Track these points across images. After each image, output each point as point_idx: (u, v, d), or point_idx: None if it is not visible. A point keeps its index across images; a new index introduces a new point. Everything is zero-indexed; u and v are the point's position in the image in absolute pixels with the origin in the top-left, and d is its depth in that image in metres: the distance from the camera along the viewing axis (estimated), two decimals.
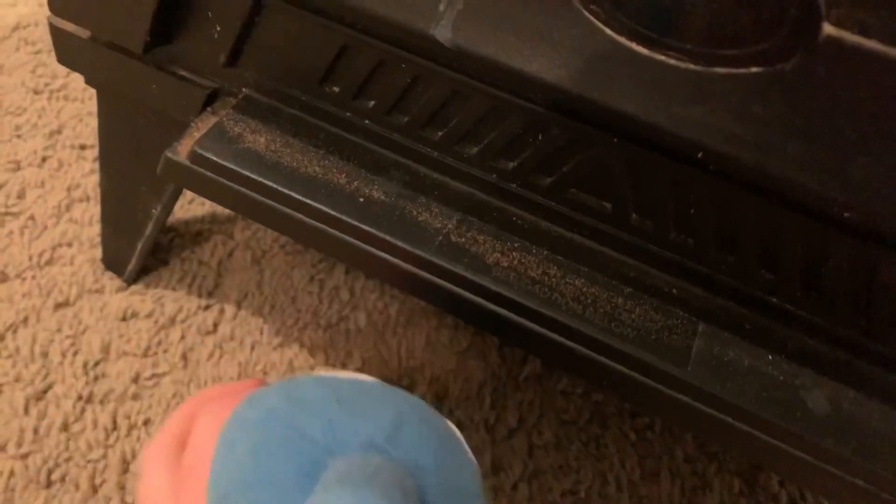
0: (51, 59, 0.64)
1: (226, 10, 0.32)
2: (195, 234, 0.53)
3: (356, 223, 0.30)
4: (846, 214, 0.25)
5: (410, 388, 0.47)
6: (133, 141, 0.41)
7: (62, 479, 0.41)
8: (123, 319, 0.48)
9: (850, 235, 0.26)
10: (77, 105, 0.60)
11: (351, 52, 0.30)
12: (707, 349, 0.28)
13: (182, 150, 0.33)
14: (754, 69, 0.23)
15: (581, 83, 0.25)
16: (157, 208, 0.44)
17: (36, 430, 0.42)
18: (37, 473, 0.41)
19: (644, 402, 0.29)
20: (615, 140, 0.27)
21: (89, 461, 0.42)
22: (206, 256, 0.52)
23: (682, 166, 0.27)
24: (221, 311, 0.49)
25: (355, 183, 0.32)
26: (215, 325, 0.48)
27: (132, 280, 0.50)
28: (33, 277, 0.49)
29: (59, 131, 0.58)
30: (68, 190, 0.54)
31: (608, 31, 0.24)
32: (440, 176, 0.32)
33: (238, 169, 0.32)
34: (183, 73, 0.35)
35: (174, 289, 0.50)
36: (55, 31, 0.37)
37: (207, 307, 0.49)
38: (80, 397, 0.44)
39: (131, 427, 0.43)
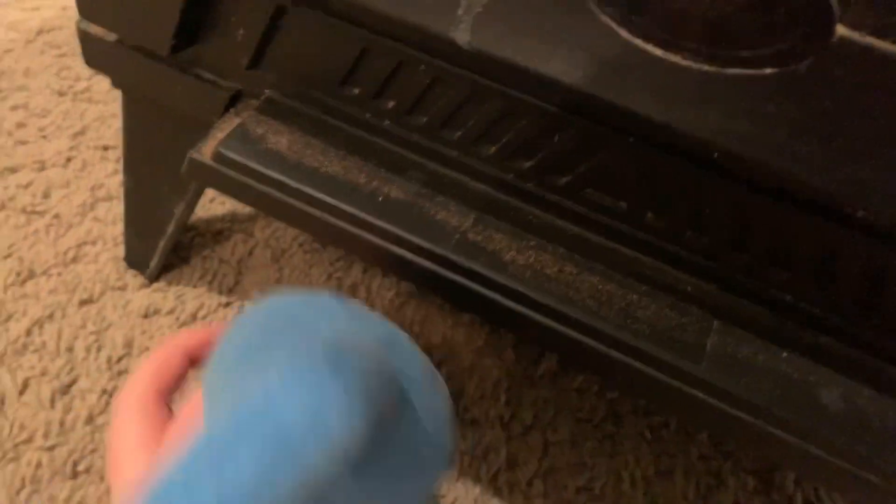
0: (74, 62, 0.65)
1: (249, 14, 0.32)
2: (216, 232, 0.54)
3: (376, 221, 0.31)
4: (859, 214, 0.25)
5: None
6: (157, 142, 0.42)
7: (87, 470, 0.42)
8: (146, 316, 0.49)
9: (863, 235, 0.26)
10: (100, 107, 0.62)
11: (371, 55, 0.31)
12: (721, 346, 0.29)
13: (206, 151, 0.34)
14: (768, 70, 0.23)
15: (597, 84, 0.26)
16: (179, 208, 0.45)
17: (62, 423, 0.43)
18: (63, 465, 0.42)
19: (658, 399, 0.29)
20: (630, 140, 0.28)
21: None
22: (227, 255, 0.53)
23: (696, 166, 0.27)
24: (241, 308, 0.50)
25: (375, 182, 0.33)
26: None
27: (154, 278, 0.51)
28: (59, 274, 0.50)
29: (82, 133, 0.59)
30: (92, 190, 0.55)
31: (623, 32, 0.25)
32: (458, 175, 0.33)
33: (261, 168, 0.32)
34: (207, 75, 0.36)
35: (195, 286, 0.51)
36: (83, 35, 0.38)
37: (228, 304, 0.50)
38: (104, 391, 0.45)
39: None
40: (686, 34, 0.24)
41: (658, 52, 0.25)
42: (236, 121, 0.35)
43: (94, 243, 0.52)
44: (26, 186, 0.55)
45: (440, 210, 0.32)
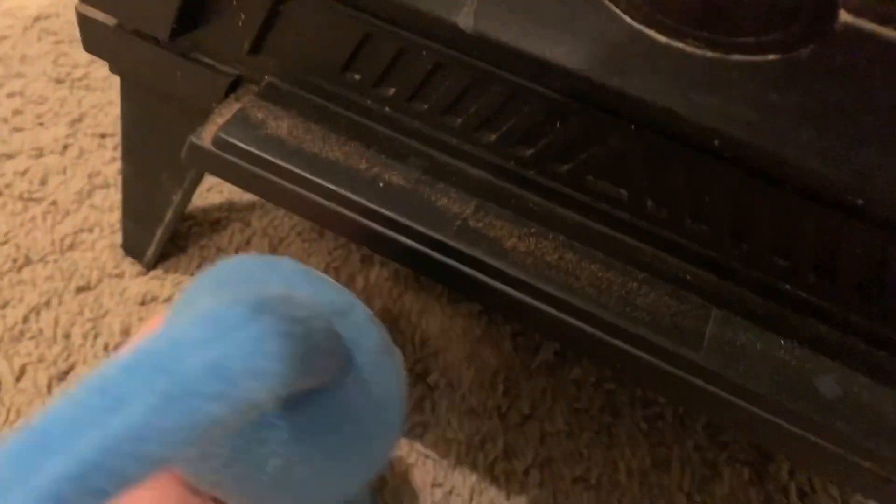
0: (72, 49, 0.65)
1: None
2: (213, 221, 0.54)
3: (377, 207, 0.31)
4: (859, 202, 0.25)
5: (424, 375, 0.47)
6: (155, 128, 0.42)
7: None
8: (143, 304, 0.49)
9: (863, 223, 0.26)
10: (98, 94, 0.61)
11: (373, 41, 0.31)
12: (720, 334, 0.29)
13: (206, 136, 0.34)
14: (771, 57, 0.23)
15: (600, 70, 0.26)
16: (177, 195, 0.45)
17: None
18: None
19: (657, 386, 0.29)
20: (632, 127, 0.28)
21: None
22: (224, 244, 0.53)
23: (697, 153, 0.27)
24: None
25: (375, 168, 0.33)
26: None
27: (151, 266, 0.50)
28: (55, 261, 0.50)
29: (80, 120, 0.59)
30: (89, 177, 0.55)
31: (627, 18, 0.25)
32: (459, 162, 0.33)
33: (261, 154, 0.32)
34: (207, 60, 0.36)
35: (192, 274, 0.51)
36: (82, 19, 0.38)
37: None
38: None
39: None
40: (690, 20, 0.24)
41: (662, 38, 0.25)
42: (236, 106, 0.35)
43: (91, 231, 0.52)
44: (23, 173, 0.54)
45: (441, 197, 0.32)
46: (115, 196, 0.54)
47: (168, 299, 0.49)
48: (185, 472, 0.25)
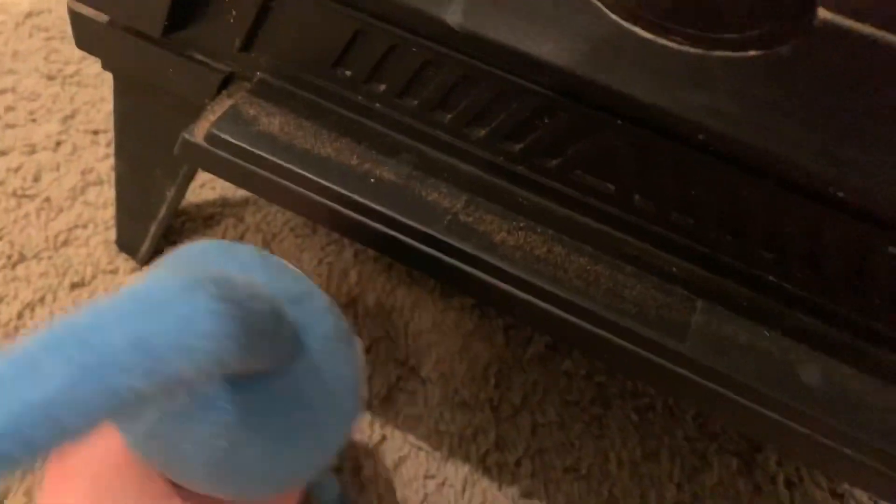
0: (63, 45, 0.65)
1: None
2: (207, 217, 0.54)
3: (368, 202, 0.32)
4: (840, 194, 0.26)
5: (416, 368, 0.48)
6: (148, 124, 0.43)
7: None
8: None
9: (845, 215, 0.27)
10: (90, 91, 0.61)
11: (363, 37, 0.31)
12: (705, 325, 0.30)
13: (199, 132, 0.34)
14: (752, 53, 0.24)
15: (587, 66, 0.26)
16: (170, 191, 0.46)
17: None
18: None
19: (644, 376, 0.30)
20: (619, 123, 0.28)
21: None
22: (218, 239, 0.53)
23: (683, 148, 0.28)
24: None
25: (367, 164, 0.33)
26: None
27: (145, 262, 0.51)
28: (49, 258, 0.50)
29: (72, 116, 0.59)
30: (83, 173, 0.55)
31: (613, 15, 0.25)
32: (449, 158, 0.33)
33: (253, 150, 0.33)
34: (199, 57, 0.36)
35: None
36: (74, 16, 0.38)
37: None
38: None
39: None
40: (673, 17, 0.24)
41: (647, 35, 0.25)
42: (229, 103, 0.35)
43: (84, 227, 0.52)
44: (16, 170, 0.54)
45: (432, 192, 0.33)
46: (109, 192, 0.54)
47: None
48: (135, 453, 0.25)
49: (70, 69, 0.63)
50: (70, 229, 0.52)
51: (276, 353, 0.23)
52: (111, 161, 0.54)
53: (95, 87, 0.62)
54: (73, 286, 0.49)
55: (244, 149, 0.33)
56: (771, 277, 0.30)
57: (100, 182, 0.55)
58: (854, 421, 0.28)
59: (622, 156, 0.29)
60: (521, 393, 0.48)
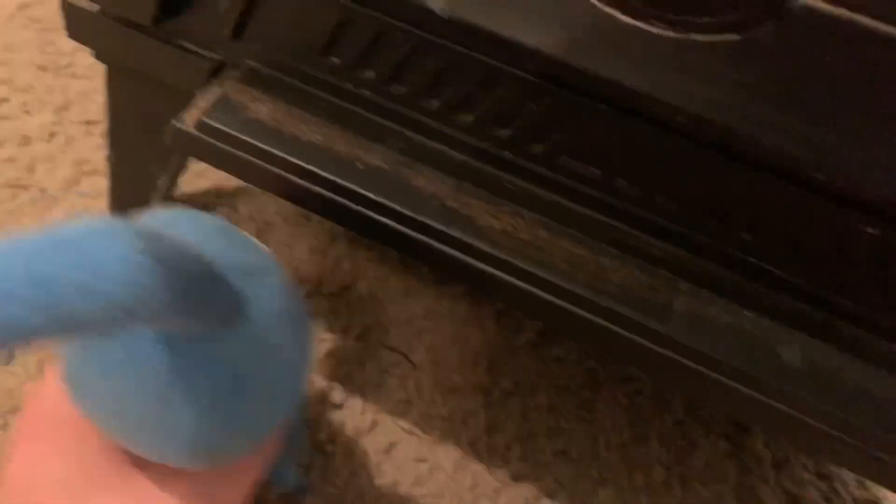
0: (57, 37, 0.65)
1: None
2: (200, 206, 0.55)
3: (356, 188, 0.32)
4: (818, 176, 0.26)
5: (409, 354, 0.48)
6: (140, 113, 0.43)
7: None
8: None
9: (822, 197, 0.27)
10: (84, 82, 0.62)
11: (351, 24, 0.32)
12: (688, 306, 0.30)
13: (190, 120, 0.35)
14: (729, 36, 0.24)
15: (568, 52, 0.27)
16: (163, 180, 0.46)
17: None
18: None
19: (628, 357, 0.30)
20: (602, 107, 0.29)
21: None
22: None
23: (663, 132, 0.28)
24: None
25: (355, 151, 0.33)
26: None
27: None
28: None
29: (66, 107, 0.59)
30: (77, 164, 0.55)
31: (593, 0, 0.25)
32: (437, 144, 0.34)
33: (244, 137, 0.33)
34: (189, 46, 0.37)
35: None
36: (66, 6, 0.38)
37: None
38: None
39: None
40: (652, 1, 0.24)
41: (627, 19, 0.25)
42: (219, 91, 0.36)
43: (79, 217, 0.52)
44: (10, 161, 0.55)
45: (419, 178, 0.33)
46: (103, 183, 0.54)
47: None
48: (92, 421, 0.26)
49: (64, 60, 0.63)
50: (65, 220, 0.52)
51: (209, 316, 0.23)
52: (105, 151, 0.55)
53: (89, 78, 0.62)
54: None
55: (233, 136, 0.33)
56: (752, 259, 0.30)
57: (94, 173, 0.55)
58: (834, 399, 0.28)
59: (605, 141, 0.30)
60: (512, 378, 0.48)
